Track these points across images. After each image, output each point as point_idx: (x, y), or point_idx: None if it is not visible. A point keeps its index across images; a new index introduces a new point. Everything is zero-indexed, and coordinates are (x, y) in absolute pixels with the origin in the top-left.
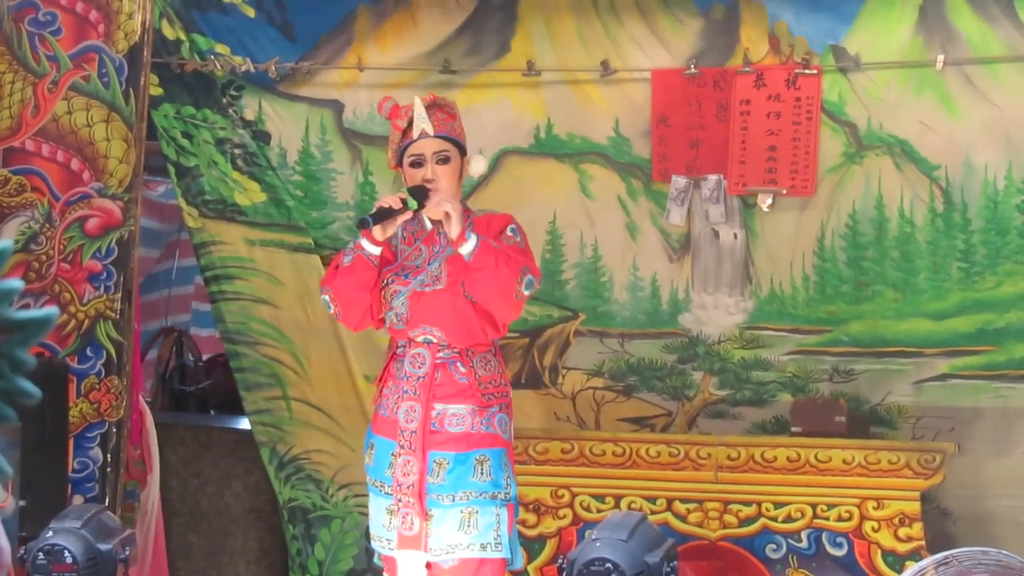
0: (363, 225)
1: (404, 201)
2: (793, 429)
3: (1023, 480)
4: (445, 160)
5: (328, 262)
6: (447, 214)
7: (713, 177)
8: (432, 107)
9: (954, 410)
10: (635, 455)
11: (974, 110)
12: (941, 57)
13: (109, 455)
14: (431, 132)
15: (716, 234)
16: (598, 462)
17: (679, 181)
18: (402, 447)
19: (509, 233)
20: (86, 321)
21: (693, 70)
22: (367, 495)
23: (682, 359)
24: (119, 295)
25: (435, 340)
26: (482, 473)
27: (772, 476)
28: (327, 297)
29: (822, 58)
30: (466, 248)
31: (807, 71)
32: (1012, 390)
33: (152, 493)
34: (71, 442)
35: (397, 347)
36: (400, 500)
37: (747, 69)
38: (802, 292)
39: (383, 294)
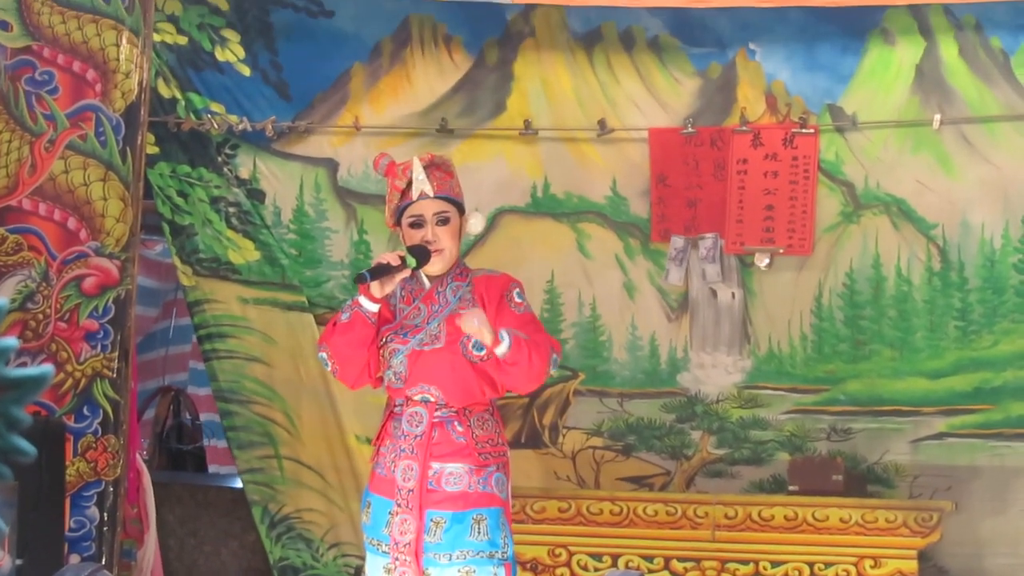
0: (360, 280)
1: (403, 259)
2: (790, 488)
3: (1020, 539)
4: (445, 221)
5: (322, 321)
6: (477, 331)
7: (710, 236)
8: (431, 167)
9: (951, 469)
10: (632, 514)
11: (971, 169)
12: (938, 116)
13: (106, 514)
14: (431, 193)
15: (714, 293)
16: (595, 521)
17: (678, 241)
18: (399, 505)
19: (516, 299)
20: (83, 380)
21: (690, 129)
22: (356, 555)
23: (681, 418)
24: (116, 354)
25: (433, 399)
26: (479, 532)
27: (769, 535)
28: (324, 354)
29: (819, 117)
30: (500, 350)
31: (804, 130)
32: (1009, 448)
33: (149, 552)
34: (68, 501)
35: (395, 406)
36: (397, 559)
37: (744, 128)
38: (800, 351)
39: (382, 352)
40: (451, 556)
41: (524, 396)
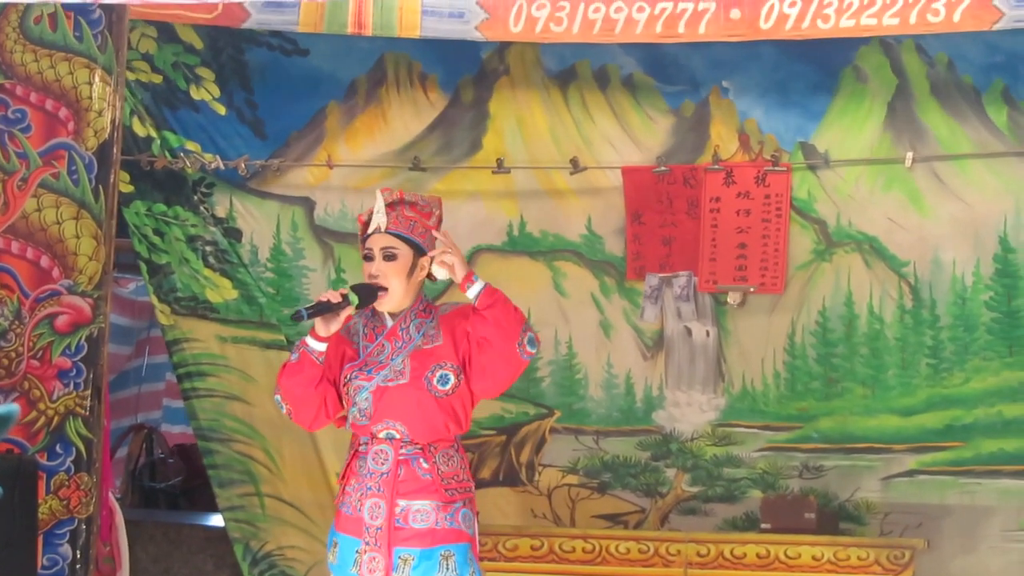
0: (297, 318)
1: (344, 296)
2: (763, 526)
3: None
4: (391, 257)
5: None
6: (450, 264)
7: (684, 275)
8: (399, 204)
9: (922, 506)
10: (605, 552)
11: (943, 207)
12: (910, 154)
13: (79, 552)
14: (383, 228)
15: (689, 332)
16: (568, 559)
17: (652, 279)
18: (367, 543)
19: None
20: (56, 418)
21: (662, 168)
22: None
23: (656, 456)
24: (89, 392)
25: (398, 436)
26: (447, 569)
27: (742, 573)
28: (278, 397)
29: (792, 155)
30: (472, 290)
31: (776, 168)
32: (979, 486)
33: None
34: (40, 539)
35: (360, 444)
36: None
37: (716, 167)
38: (773, 389)
39: (346, 390)
40: None
41: (497, 435)
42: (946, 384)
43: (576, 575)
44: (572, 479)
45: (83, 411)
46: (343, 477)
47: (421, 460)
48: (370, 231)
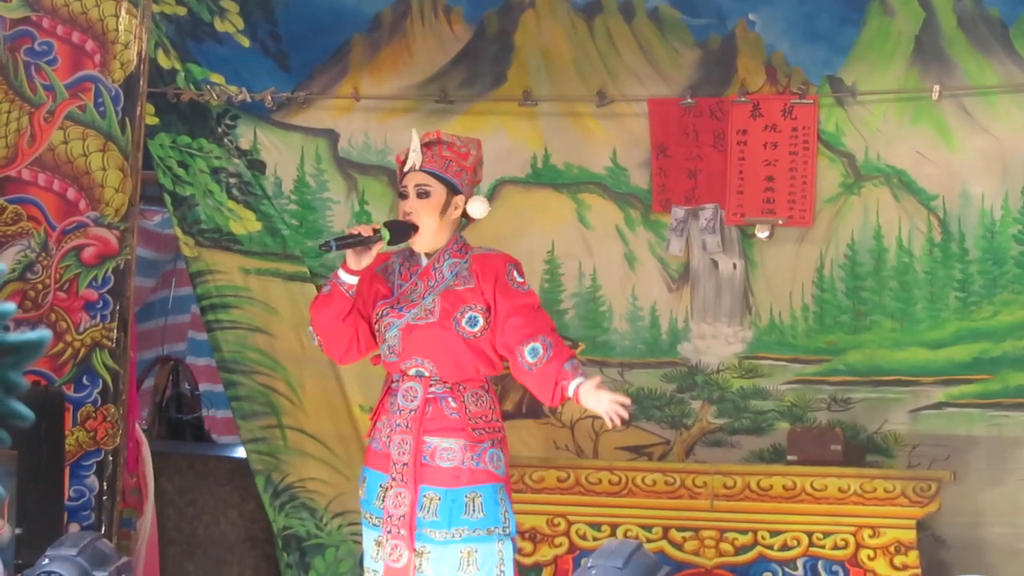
0: (325, 248)
1: (376, 231)
2: (789, 458)
3: (1018, 508)
4: (424, 195)
5: None
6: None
7: (710, 207)
8: (436, 143)
9: (950, 438)
10: (631, 483)
11: (971, 141)
12: (937, 87)
13: (105, 483)
14: (417, 166)
15: (715, 264)
16: (594, 490)
17: (678, 212)
18: (394, 479)
19: (517, 279)
20: (82, 350)
21: (689, 100)
22: (361, 524)
23: (681, 388)
24: (115, 324)
25: (427, 374)
26: (475, 510)
27: (768, 504)
28: (311, 328)
29: (819, 88)
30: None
31: (803, 101)
32: (1007, 418)
33: (147, 521)
34: (67, 470)
35: (392, 382)
36: (389, 532)
37: (743, 99)
38: (801, 322)
39: (377, 327)
40: (448, 534)
41: None
42: (974, 317)
43: (603, 506)
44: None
45: (109, 343)
46: (375, 413)
47: (449, 399)
48: (406, 170)
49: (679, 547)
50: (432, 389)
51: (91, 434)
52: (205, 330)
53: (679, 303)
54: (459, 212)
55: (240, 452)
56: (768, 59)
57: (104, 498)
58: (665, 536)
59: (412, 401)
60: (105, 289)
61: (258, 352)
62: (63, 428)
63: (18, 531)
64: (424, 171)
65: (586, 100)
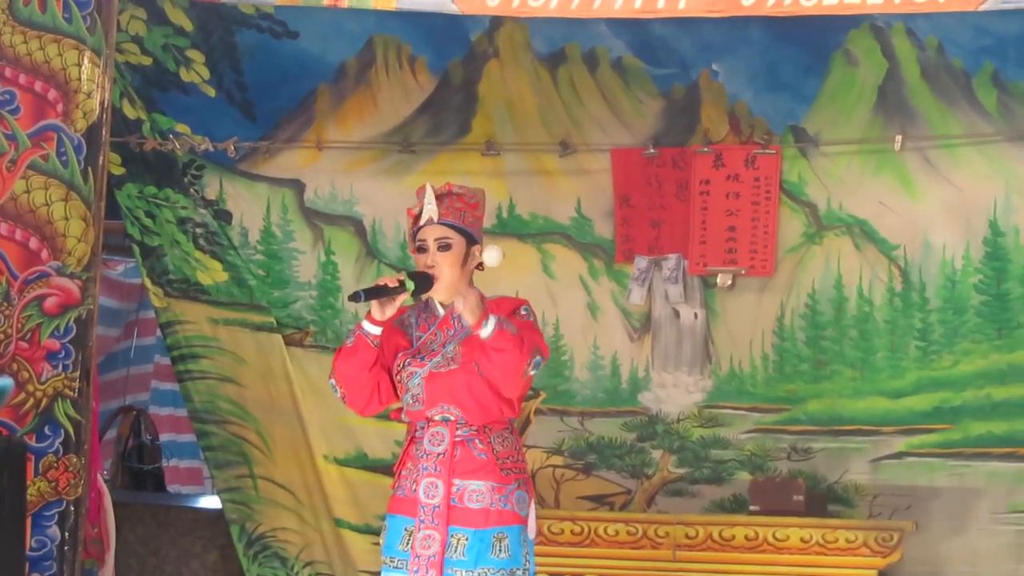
0: (354, 299)
1: (401, 282)
2: (751, 508)
3: (979, 557)
4: (446, 247)
5: (290, 341)
6: (462, 302)
7: (673, 257)
8: (447, 195)
9: (911, 488)
10: (593, 534)
11: (933, 191)
12: (899, 137)
13: (67, 534)
14: (435, 219)
15: (677, 314)
16: (556, 540)
17: (641, 261)
18: (423, 521)
19: (523, 312)
20: (44, 400)
21: (652, 150)
22: (329, 574)
23: (641, 437)
24: (78, 374)
25: (453, 418)
26: (501, 550)
27: (731, 555)
28: (333, 380)
29: (782, 138)
30: (484, 331)
31: (766, 151)
32: (968, 468)
33: (108, 572)
34: (29, 521)
35: (416, 430)
36: (416, 572)
37: (706, 149)
38: (761, 371)
39: (399, 377)
40: (474, 573)
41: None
42: (935, 367)
43: (566, 556)
44: (557, 460)
45: (72, 393)
46: (400, 463)
47: (477, 441)
48: (422, 223)
49: None
50: (460, 432)
51: (53, 484)
52: (174, 380)
53: (640, 352)
54: (475, 262)
55: (202, 502)
56: (731, 109)
57: (66, 548)
58: None
59: (439, 445)
60: (67, 339)
61: (228, 402)
62: (24, 478)
63: None
64: (443, 224)
65: (549, 150)
